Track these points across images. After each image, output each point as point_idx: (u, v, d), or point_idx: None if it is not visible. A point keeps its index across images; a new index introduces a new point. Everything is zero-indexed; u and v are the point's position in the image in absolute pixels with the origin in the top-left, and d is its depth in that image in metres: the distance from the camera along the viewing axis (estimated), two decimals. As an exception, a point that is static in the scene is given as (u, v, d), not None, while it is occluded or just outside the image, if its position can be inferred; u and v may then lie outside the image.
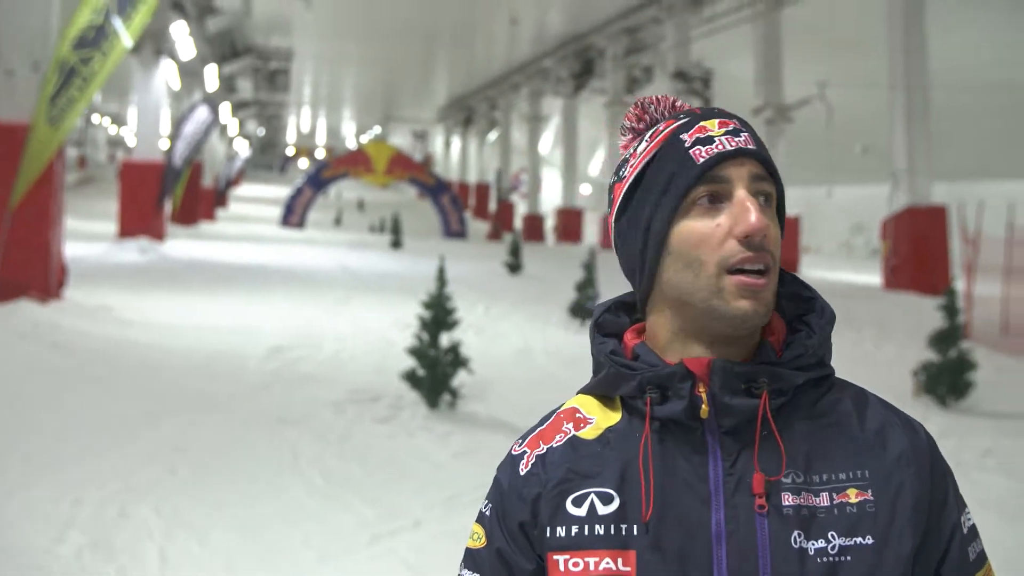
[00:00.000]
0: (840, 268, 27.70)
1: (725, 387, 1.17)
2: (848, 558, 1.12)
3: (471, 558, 1.26)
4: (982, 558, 1.24)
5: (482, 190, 49.55)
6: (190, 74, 29.10)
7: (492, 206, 43.33)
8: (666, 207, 1.20)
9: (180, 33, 22.87)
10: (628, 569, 1.14)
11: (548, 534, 1.19)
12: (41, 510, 5.03)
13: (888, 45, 18.90)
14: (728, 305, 1.16)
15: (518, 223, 37.92)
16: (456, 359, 7.94)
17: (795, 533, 1.13)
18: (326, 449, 6.55)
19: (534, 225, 37.07)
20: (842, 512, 1.14)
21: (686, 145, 1.20)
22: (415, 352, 7.92)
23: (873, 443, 1.19)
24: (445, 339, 8.10)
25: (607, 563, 1.15)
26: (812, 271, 24.42)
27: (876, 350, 11.63)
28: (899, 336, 12.29)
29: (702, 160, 1.18)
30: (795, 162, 25.71)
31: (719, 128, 1.20)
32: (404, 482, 5.95)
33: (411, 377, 7.85)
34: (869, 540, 1.14)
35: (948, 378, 8.62)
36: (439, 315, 8.00)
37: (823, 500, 1.15)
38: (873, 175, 26.47)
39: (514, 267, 20.14)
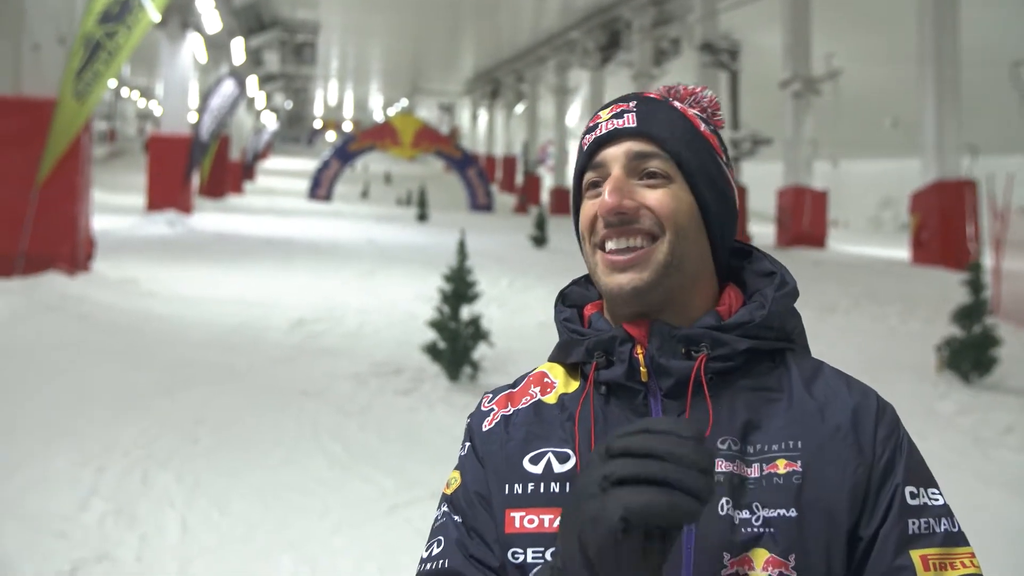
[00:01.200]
0: (868, 242, 27.47)
1: (663, 349, 1.21)
2: (772, 530, 1.12)
3: (449, 502, 1.29)
4: (937, 538, 1.15)
5: (509, 163, 49.41)
6: (217, 47, 29.17)
7: (519, 179, 43.25)
8: (574, 196, 1.32)
9: (206, 6, 22.90)
10: None
11: (506, 491, 1.23)
12: (65, 478, 5.12)
13: (918, 19, 18.65)
14: (602, 280, 1.25)
15: (545, 196, 37.84)
16: (477, 332, 7.97)
17: (723, 500, 1.14)
18: (346, 420, 6.61)
19: (561, 198, 36.95)
20: (769, 483, 1.15)
21: (582, 135, 1.30)
22: (436, 325, 7.96)
23: (812, 415, 1.19)
24: (466, 312, 8.14)
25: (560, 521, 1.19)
26: (840, 245, 24.25)
27: (901, 325, 11.54)
28: (924, 311, 12.19)
29: (585, 148, 1.28)
30: (823, 136, 25.47)
31: (608, 114, 1.28)
32: (423, 453, 6.01)
33: (432, 350, 7.90)
34: (792, 512, 1.13)
35: (971, 354, 8.54)
36: (460, 288, 8.03)
37: (754, 471, 1.16)
38: (902, 149, 26.15)
39: (539, 240, 20.13)
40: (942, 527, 1.16)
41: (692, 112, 1.29)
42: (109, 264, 12.32)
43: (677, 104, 1.29)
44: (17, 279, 10.44)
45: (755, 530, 1.13)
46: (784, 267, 1.30)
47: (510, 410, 1.29)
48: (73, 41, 11.15)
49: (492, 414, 1.31)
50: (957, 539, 1.17)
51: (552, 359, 1.33)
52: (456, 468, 1.31)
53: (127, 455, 5.55)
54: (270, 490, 5.18)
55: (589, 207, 1.26)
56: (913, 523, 1.15)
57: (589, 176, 1.27)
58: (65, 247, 11.18)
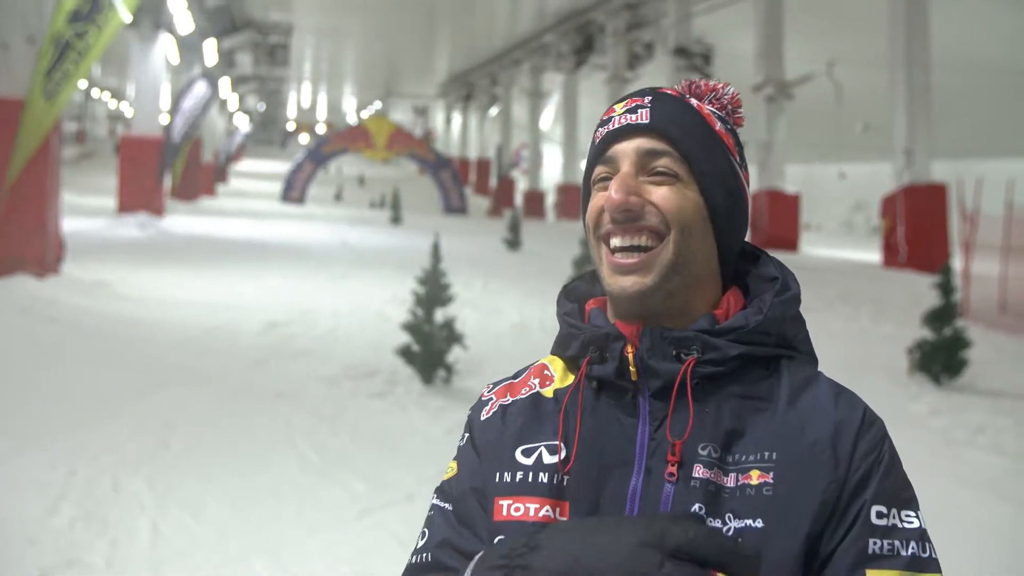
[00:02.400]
0: (841, 246, 27.68)
1: (653, 350, 1.20)
2: (739, 540, 1.10)
3: (441, 490, 1.30)
4: (900, 561, 1.11)
5: (483, 166, 49.40)
6: (189, 48, 28.92)
7: (493, 182, 43.23)
8: (584, 189, 1.31)
9: (178, 7, 22.72)
10: (565, 519, 1.17)
11: (496, 479, 1.23)
12: (34, 481, 5.05)
13: (890, 24, 18.82)
14: (606, 280, 1.24)
15: (519, 199, 37.85)
16: (451, 335, 7.95)
17: (696, 506, 1.13)
18: (320, 424, 6.57)
19: (535, 201, 36.98)
20: (743, 494, 1.13)
21: (596, 128, 1.29)
22: (409, 328, 7.93)
23: (793, 428, 1.17)
24: (440, 315, 8.11)
25: (546, 511, 1.19)
26: (813, 248, 24.41)
27: (873, 327, 11.63)
28: (896, 314, 12.29)
29: (598, 141, 1.27)
30: (797, 140, 25.65)
31: (622, 108, 1.27)
32: (396, 457, 5.98)
33: (405, 353, 7.87)
34: (759, 523, 1.11)
35: (942, 356, 8.62)
36: (434, 291, 8.01)
37: (730, 481, 1.15)
38: (874, 153, 26.39)
39: (513, 243, 20.12)
40: (909, 550, 1.12)
41: (708, 110, 1.28)
42: (79, 266, 12.19)
43: (694, 101, 1.28)
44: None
45: None
46: (789, 272, 1.29)
47: (508, 400, 1.30)
48: (42, 40, 11.02)
49: (491, 404, 1.32)
50: (924, 565, 1.12)
51: (553, 352, 1.34)
52: (454, 458, 1.32)
53: (97, 459, 5.48)
54: (243, 494, 5.13)
55: (597, 200, 1.26)
56: (875, 543, 1.12)
57: (599, 170, 1.26)
58: (34, 249, 11.02)
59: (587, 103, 36.18)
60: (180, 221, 21.53)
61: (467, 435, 1.32)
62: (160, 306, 10.74)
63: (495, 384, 1.35)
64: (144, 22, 21.85)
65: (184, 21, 23.39)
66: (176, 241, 17.67)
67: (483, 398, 1.34)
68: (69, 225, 13.21)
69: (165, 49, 23.56)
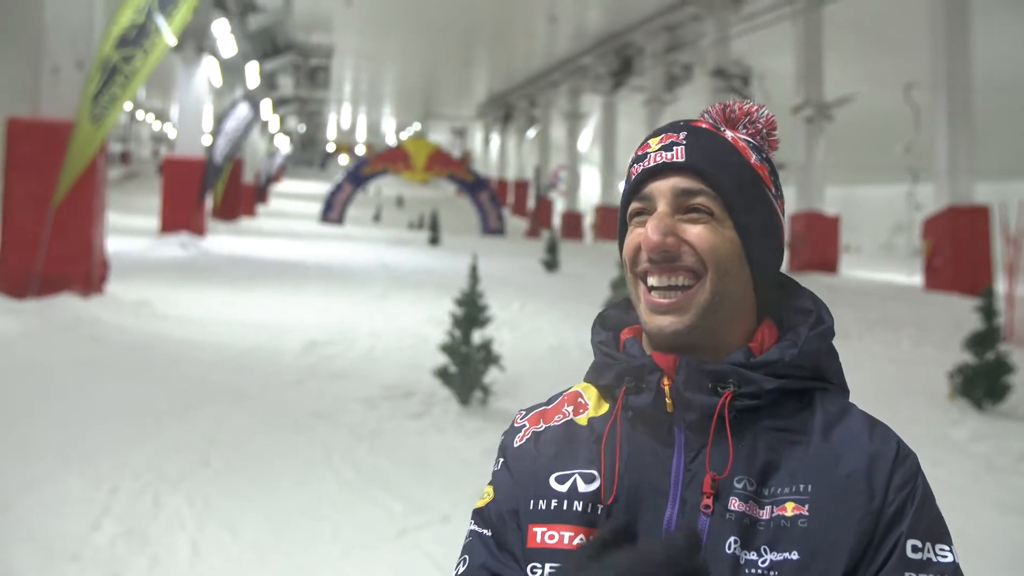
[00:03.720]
0: (881, 268, 27.40)
1: (689, 383, 1.20)
2: (775, 573, 1.12)
3: (479, 515, 1.31)
4: None
5: (521, 187, 49.57)
6: (232, 71, 29.40)
7: (531, 203, 43.33)
8: (621, 222, 1.32)
9: (222, 30, 23.10)
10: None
11: (531, 506, 1.24)
12: (77, 498, 5.13)
13: (931, 45, 18.69)
14: (643, 317, 1.25)
15: (556, 220, 37.88)
16: (488, 356, 7.98)
17: (731, 539, 1.14)
18: (357, 444, 6.61)
19: (572, 223, 37.03)
20: (777, 526, 1.14)
21: (631, 163, 1.29)
22: (447, 349, 7.97)
23: (827, 460, 1.18)
24: (477, 336, 8.14)
25: (580, 539, 1.19)
26: (852, 271, 24.19)
27: (914, 351, 11.50)
28: (937, 337, 12.14)
29: (633, 178, 1.28)
30: (836, 161, 25.48)
31: (657, 143, 1.27)
32: (433, 478, 6.00)
33: (443, 374, 7.90)
34: (795, 556, 1.12)
35: (985, 381, 8.50)
36: (472, 312, 8.04)
37: (765, 513, 1.15)
38: (916, 175, 26.12)
39: (551, 264, 20.16)
40: None
41: (743, 140, 1.28)
42: (122, 286, 12.38)
43: (729, 134, 1.28)
44: (32, 300, 10.50)
45: (759, 572, 1.13)
46: (823, 304, 1.29)
47: (541, 427, 1.31)
48: (91, 65, 11.26)
49: (524, 430, 1.33)
50: None
51: (587, 380, 1.34)
52: (489, 483, 1.33)
53: (139, 477, 5.56)
54: (281, 513, 5.18)
55: (634, 237, 1.26)
56: None
57: (635, 206, 1.27)
58: (80, 269, 11.24)
59: (625, 124, 36.24)
60: (221, 241, 21.80)
61: (501, 460, 1.33)
62: (200, 325, 10.88)
63: (528, 410, 1.36)
64: (188, 45, 22.23)
65: (227, 44, 23.78)
66: (217, 261, 17.89)
67: (516, 424, 1.35)
68: (113, 245, 13.41)
69: (208, 71, 23.94)
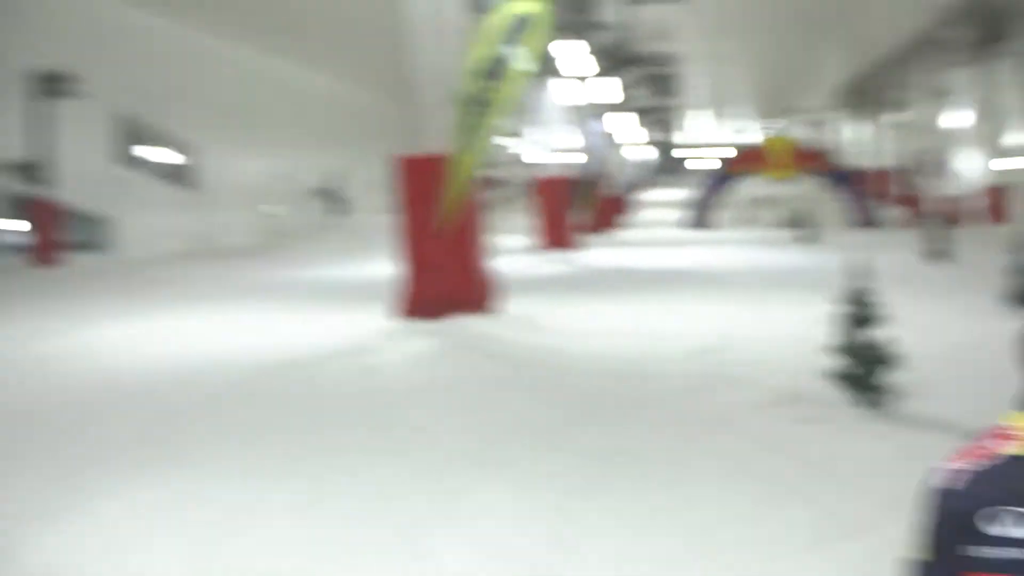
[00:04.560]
0: None
1: None
2: None
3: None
4: None
5: (886, 175, 46.83)
6: (587, 89, 30.34)
7: (899, 191, 40.83)
8: None
9: (570, 51, 23.93)
10: None
11: (970, 552, 1.12)
12: (506, 507, 5.49)
13: None
14: None
15: (931, 206, 35.32)
16: (881, 356, 7.56)
17: None
18: (759, 452, 6.51)
19: (950, 207, 34.37)
20: None
21: None
22: (837, 349, 7.66)
23: None
24: (868, 335, 7.75)
25: None
26: None
27: None
28: None
29: None
30: None
31: None
32: (842, 486, 5.78)
33: (837, 376, 7.60)
34: None
35: None
36: (859, 310, 7.68)
37: None
38: None
39: (933, 254, 18.88)
40: None
41: None
42: (508, 303, 13.16)
43: None
44: (435, 321, 11.54)
45: None
46: None
47: (979, 465, 1.17)
48: (457, 99, 12.23)
49: (959, 471, 1.19)
50: None
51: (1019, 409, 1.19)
52: (919, 532, 1.22)
53: (552, 485, 5.85)
54: (695, 524, 5.21)
55: None
56: None
57: None
58: (471, 290, 12.19)
59: (1001, 96, 33.11)
60: (593, 254, 22.57)
61: (932, 504, 1.20)
62: (583, 337, 11.28)
63: (961, 452, 1.22)
64: (546, 70, 23.28)
65: (577, 64, 24.60)
66: (592, 274, 18.55)
67: (951, 465, 1.21)
68: (496, 265, 14.32)
69: (566, 92, 24.92)
